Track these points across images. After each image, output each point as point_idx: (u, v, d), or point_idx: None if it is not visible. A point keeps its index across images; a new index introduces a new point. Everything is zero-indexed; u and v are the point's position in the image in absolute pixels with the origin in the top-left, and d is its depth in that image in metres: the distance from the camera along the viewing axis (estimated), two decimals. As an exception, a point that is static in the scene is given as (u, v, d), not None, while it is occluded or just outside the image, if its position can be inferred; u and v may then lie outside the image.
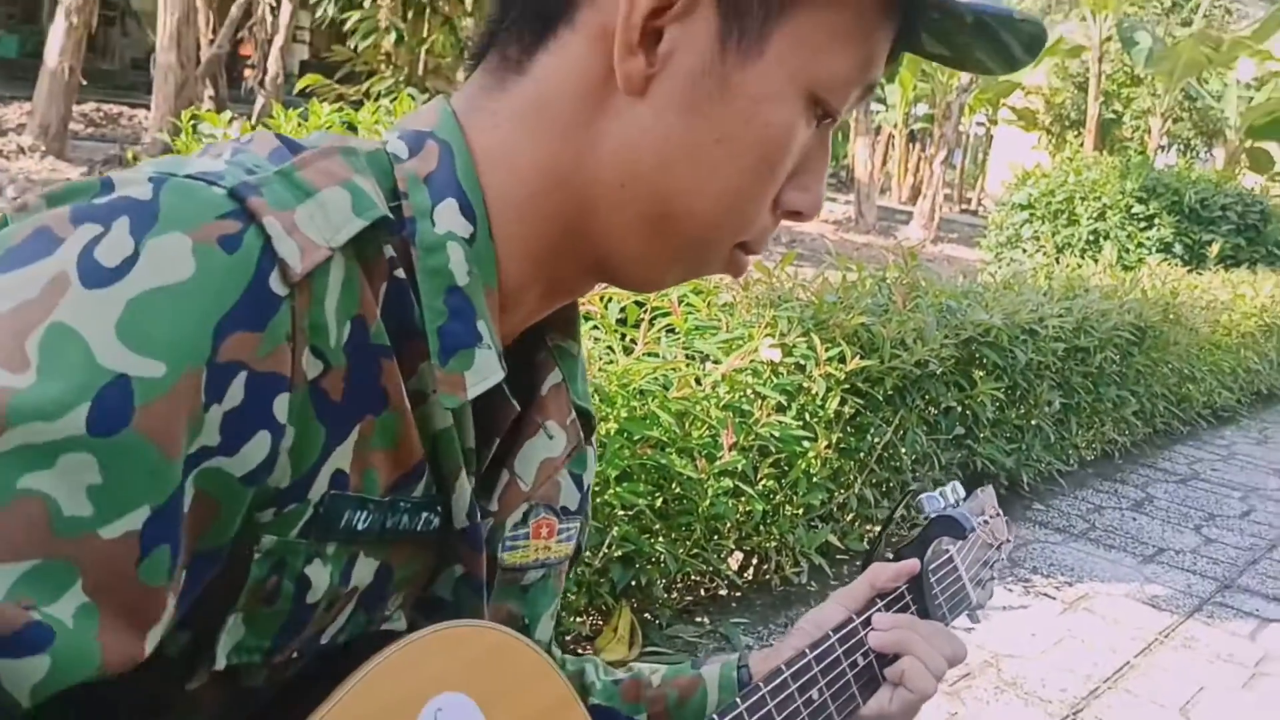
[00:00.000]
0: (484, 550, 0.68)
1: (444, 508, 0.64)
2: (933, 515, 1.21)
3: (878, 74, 0.64)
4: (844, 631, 0.96)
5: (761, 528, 3.27)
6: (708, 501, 3.02)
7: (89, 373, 0.46)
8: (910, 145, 24.36)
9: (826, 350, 3.33)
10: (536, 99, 0.62)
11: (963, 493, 1.24)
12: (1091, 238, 9.18)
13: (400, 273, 0.59)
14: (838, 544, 3.58)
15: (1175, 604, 3.74)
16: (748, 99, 0.61)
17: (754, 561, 3.43)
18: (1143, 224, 9.11)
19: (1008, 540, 1.34)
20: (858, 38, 0.62)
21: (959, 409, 4.01)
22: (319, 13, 7.96)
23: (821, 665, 0.92)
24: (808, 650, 0.90)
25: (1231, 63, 19.44)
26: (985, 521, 1.28)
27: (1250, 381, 6.73)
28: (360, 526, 0.59)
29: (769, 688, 0.86)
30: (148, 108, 11.09)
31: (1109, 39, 20.08)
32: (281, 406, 0.52)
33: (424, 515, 0.63)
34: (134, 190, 0.51)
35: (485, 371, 0.61)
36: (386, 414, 0.58)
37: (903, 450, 3.74)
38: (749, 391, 3.17)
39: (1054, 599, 3.64)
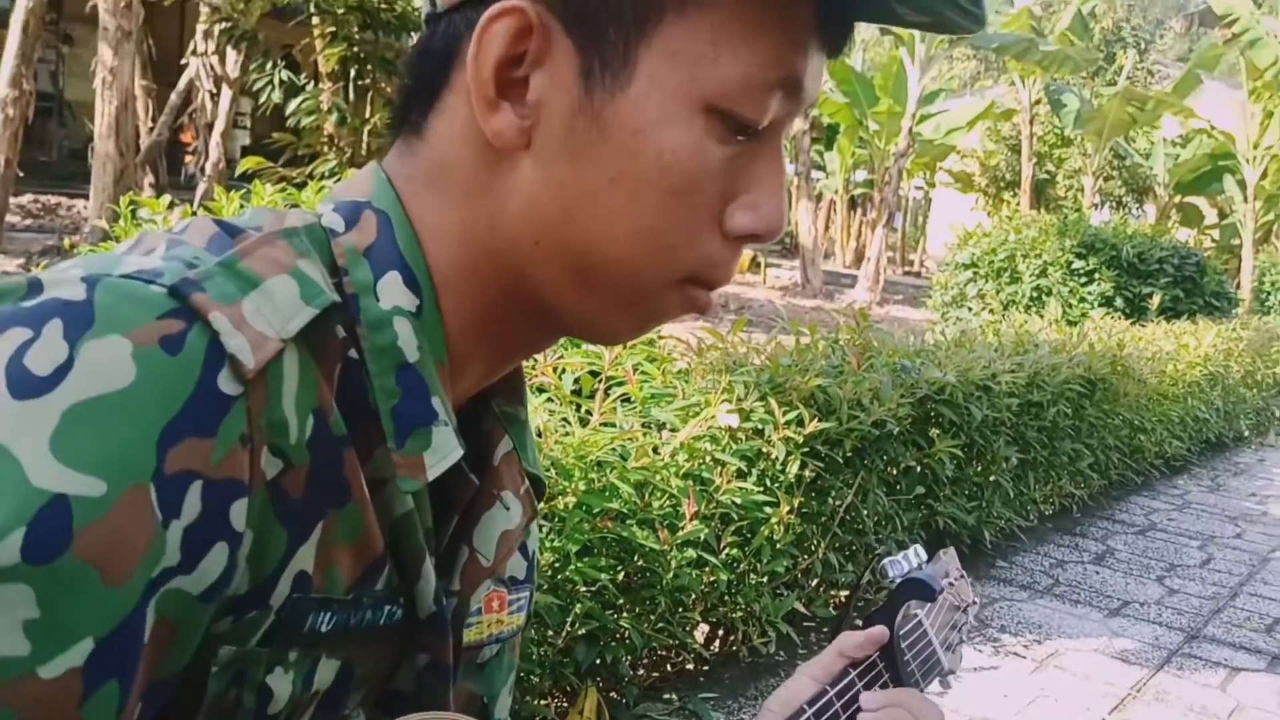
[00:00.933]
0: (450, 635, 0.64)
1: (407, 597, 0.60)
2: (898, 579, 1.18)
3: (796, 70, 0.57)
4: (818, 705, 0.91)
5: (727, 598, 3.20)
6: (671, 573, 2.96)
7: (22, 494, 0.42)
8: (852, 210, 24.77)
9: (784, 413, 3.30)
10: (438, 164, 0.60)
11: (925, 555, 1.21)
12: (1035, 294, 9.32)
13: (353, 353, 0.55)
14: (804, 611, 3.51)
15: (1144, 657, 3.71)
16: (628, 131, 0.56)
17: (720, 633, 3.36)
18: (1083, 279, 9.27)
19: (973, 602, 1.32)
20: (746, 35, 0.55)
21: (918, 468, 3.99)
22: (261, 99, 7.94)
23: None
24: None
25: (1156, 121, 20.08)
26: (950, 584, 1.25)
27: (1199, 430, 6.80)
28: (324, 629, 0.55)
29: None
30: (86, 197, 10.97)
31: (1038, 102, 20.69)
32: (239, 513, 0.49)
33: (387, 608, 0.59)
34: (65, 291, 0.47)
35: (444, 449, 0.58)
36: (349, 507, 0.55)
37: (864, 512, 3.70)
38: (708, 459, 3.12)
39: (1024, 658, 3.59)
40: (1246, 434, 7.86)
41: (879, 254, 16.49)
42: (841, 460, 3.54)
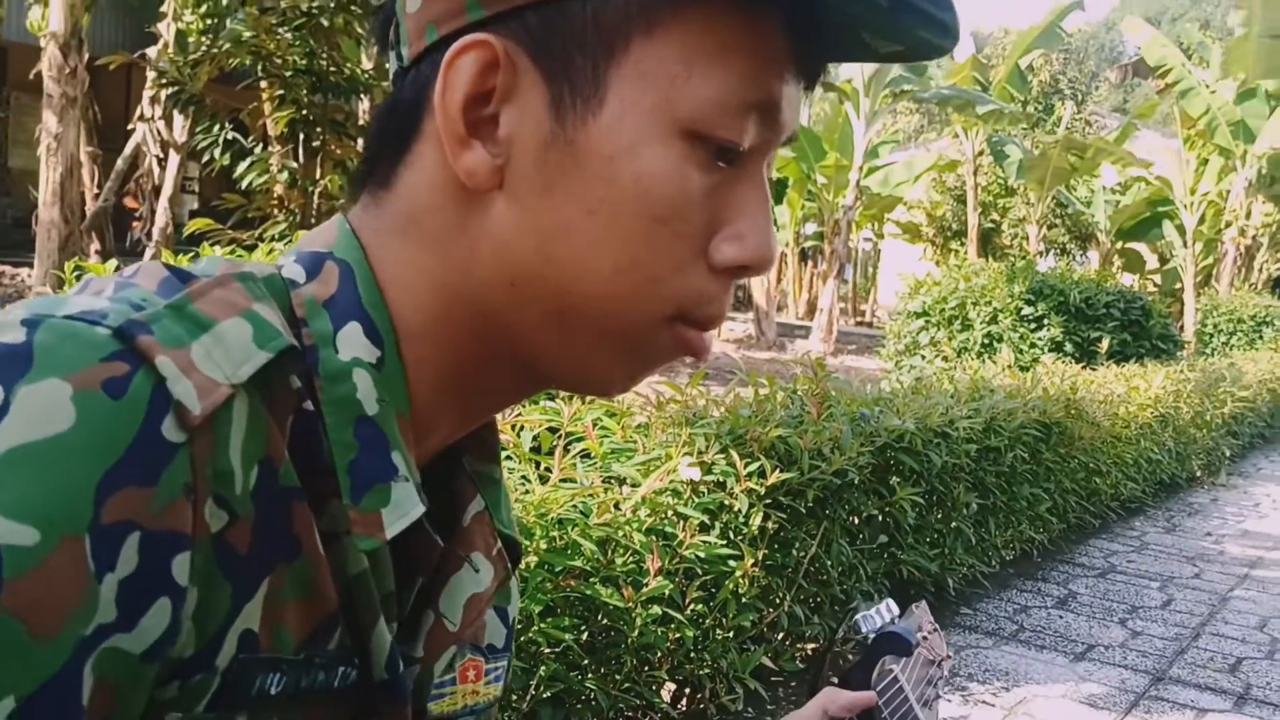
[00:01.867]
0: (409, 703, 0.60)
1: (362, 659, 0.56)
2: (873, 634, 1.16)
3: (772, 92, 0.56)
4: None
5: (693, 654, 3.15)
6: (636, 631, 2.91)
7: None
8: (803, 263, 25.03)
9: (746, 465, 3.27)
10: (407, 214, 0.58)
11: (897, 609, 1.20)
12: (986, 341, 9.42)
13: (309, 404, 0.53)
14: (772, 666, 3.47)
15: (1112, 701, 3.69)
16: (602, 158, 0.54)
17: (687, 691, 3.30)
18: (1033, 325, 9.39)
19: (947, 656, 1.30)
20: (718, 55, 0.54)
21: (880, 517, 3.98)
22: (206, 159, 7.89)
23: None
24: None
25: (1095, 170, 20.55)
26: (924, 638, 1.23)
27: (1153, 471, 6.87)
28: (274, 690, 0.52)
29: None
30: (31, 265, 10.80)
31: (981, 153, 21.12)
32: (181, 567, 0.46)
33: (340, 670, 0.55)
34: (4, 335, 0.45)
35: (404, 507, 0.55)
36: (298, 562, 0.52)
37: (829, 563, 3.67)
38: (670, 513, 3.09)
39: (993, 705, 3.56)
40: (1198, 474, 7.95)
41: (831, 305, 16.63)
42: (804, 511, 3.51)
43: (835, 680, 1.13)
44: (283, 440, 0.51)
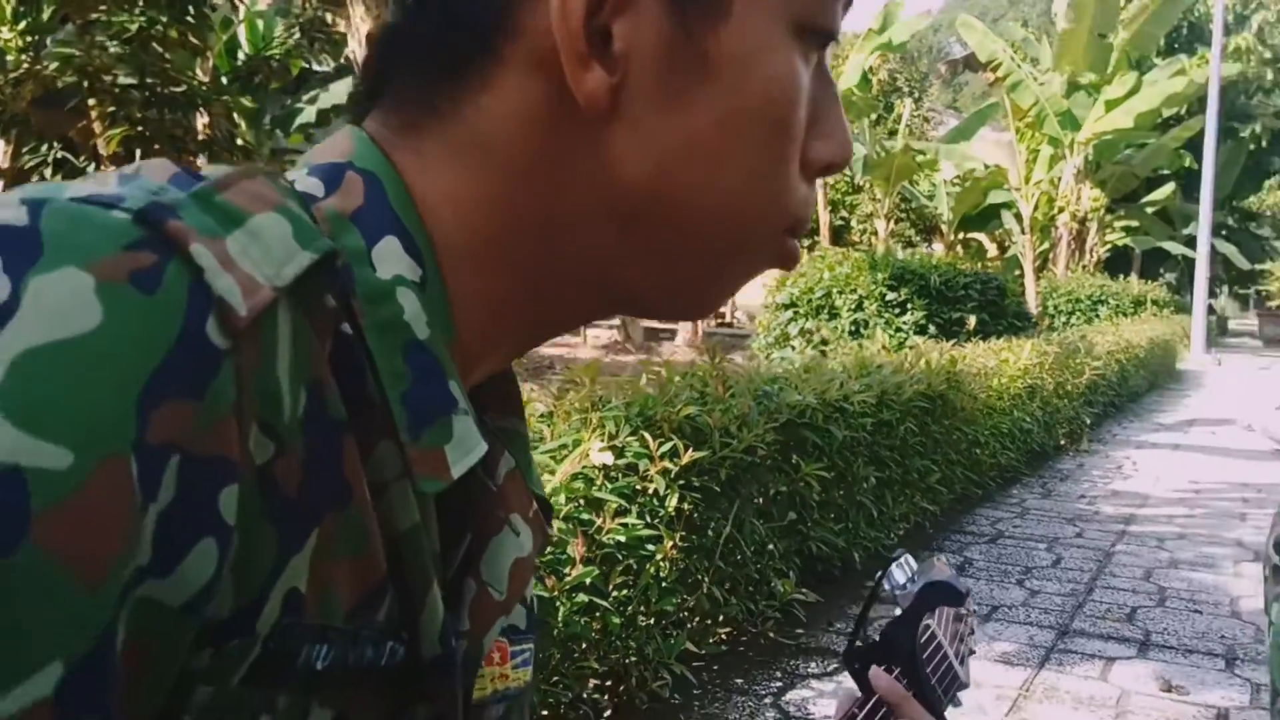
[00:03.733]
0: (460, 683, 0.52)
1: (410, 633, 0.48)
2: (919, 586, 1.10)
3: None
4: None
5: (618, 643, 3.05)
6: (562, 622, 2.80)
7: None
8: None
9: (659, 445, 3.20)
10: (474, 141, 0.52)
11: (915, 564, 1.14)
12: (853, 327, 9.60)
13: (347, 327, 0.45)
14: (695, 650, 3.39)
15: (1025, 658, 3.75)
16: (734, 63, 0.50)
17: (610, 683, 3.19)
18: (897, 310, 9.62)
19: (972, 610, 1.24)
20: None
21: (788, 493, 3.96)
22: (35, 181, 7.48)
23: None
24: None
25: (936, 165, 21.34)
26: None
27: (1025, 441, 7.09)
28: (320, 666, 0.43)
29: None
30: None
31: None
32: (229, 502, 0.38)
33: (389, 645, 0.47)
34: (2, 213, 0.37)
35: (468, 443, 0.48)
36: (350, 511, 0.44)
37: (743, 543, 3.63)
38: (582, 500, 2.99)
39: (913, 671, 3.57)
40: (1063, 442, 8.25)
41: (694, 306, 16.76)
42: (718, 490, 3.46)
43: (874, 639, 1.07)
44: (327, 364, 0.43)
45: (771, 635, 3.76)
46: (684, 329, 16.81)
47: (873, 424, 4.54)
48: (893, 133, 22.17)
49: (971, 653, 1.19)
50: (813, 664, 3.59)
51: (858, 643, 1.05)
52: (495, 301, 0.53)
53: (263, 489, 0.40)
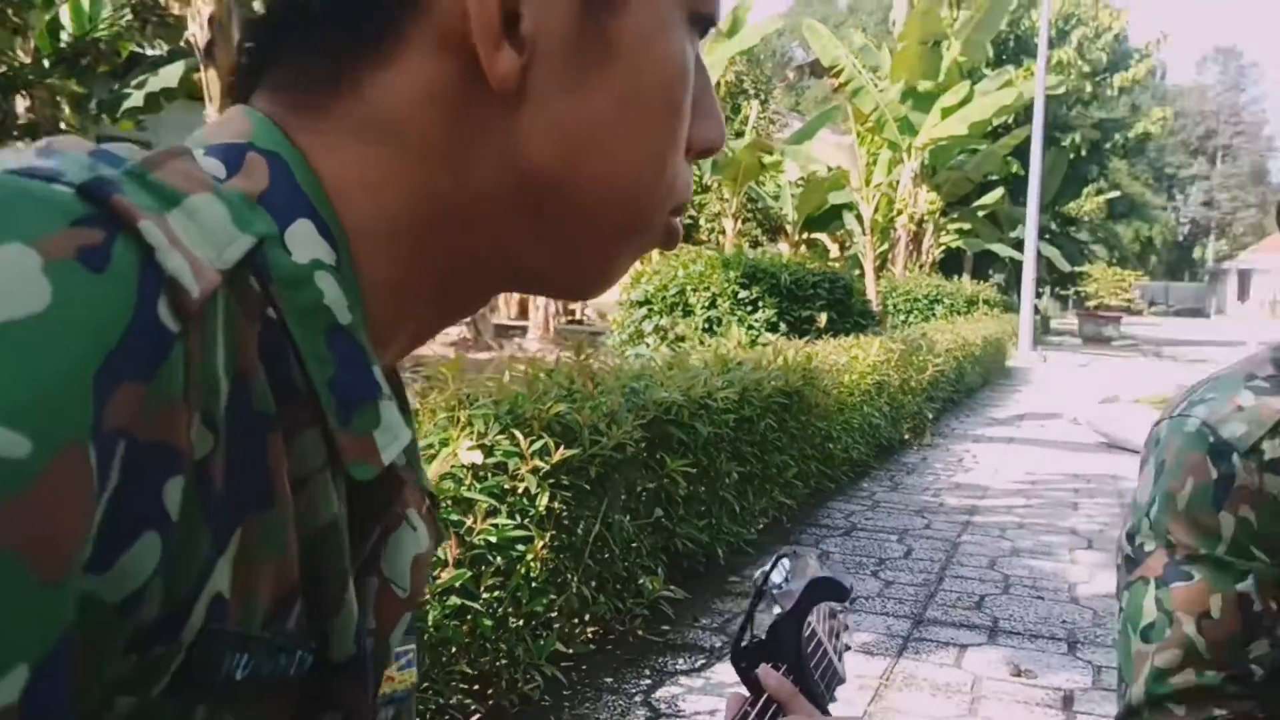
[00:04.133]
0: (372, 685, 0.51)
1: (319, 637, 0.46)
2: (793, 584, 1.11)
3: None
4: None
5: (488, 645, 2.99)
6: (433, 626, 2.72)
7: None
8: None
9: (530, 444, 3.15)
10: (378, 122, 0.50)
11: (788, 565, 1.15)
12: (707, 325, 9.71)
13: (272, 312, 0.44)
14: (564, 650, 3.36)
15: (883, 647, 3.85)
16: (635, 45, 0.51)
17: (477, 687, 3.13)
18: (749, 308, 9.77)
19: (846, 605, 1.26)
20: None
21: (654, 490, 3.96)
22: None
23: None
24: None
25: (781, 166, 21.80)
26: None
27: (874, 436, 7.30)
28: (240, 676, 0.42)
29: None
30: None
31: (678, 151, 21.88)
32: (174, 496, 0.36)
33: (299, 654, 0.45)
34: None
35: (395, 429, 0.47)
36: (273, 512, 0.42)
37: (611, 541, 3.61)
38: (451, 500, 2.92)
39: (779, 664, 3.62)
40: (907, 437, 8.53)
41: (547, 302, 16.69)
42: (587, 487, 3.44)
43: (760, 637, 1.07)
44: (254, 352, 0.42)
45: (640, 633, 3.75)
46: (535, 325, 16.73)
47: (735, 420, 4.59)
48: (739, 134, 22.53)
49: (847, 648, 1.20)
50: (680, 660, 3.60)
51: (744, 643, 1.06)
52: (404, 286, 0.51)
53: (200, 484, 0.38)
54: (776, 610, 1.13)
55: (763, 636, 1.10)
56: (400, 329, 0.53)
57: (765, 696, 1.02)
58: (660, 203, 0.54)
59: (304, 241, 0.46)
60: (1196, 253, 71.63)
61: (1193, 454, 1.46)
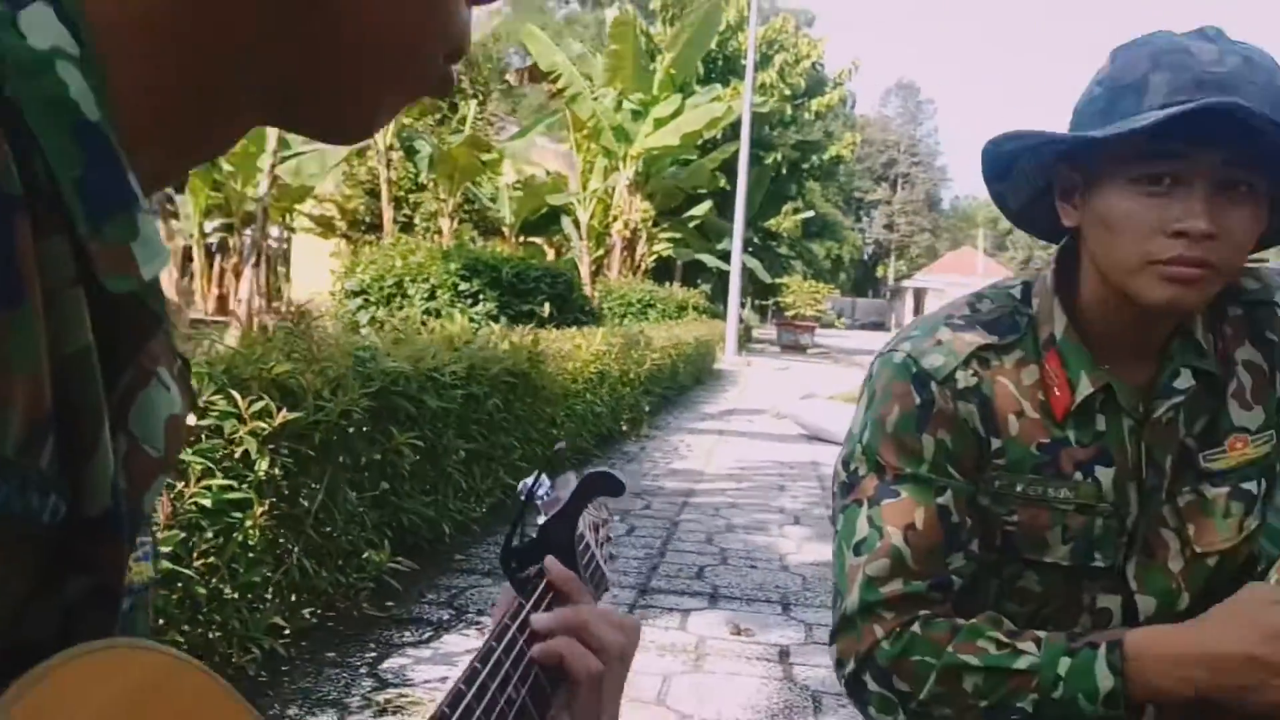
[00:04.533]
0: (128, 541, 0.45)
1: (74, 485, 0.40)
2: (560, 492, 1.12)
3: None
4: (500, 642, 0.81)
5: (202, 616, 2.78)
6: (140, 595, 2.49)
7: None
8: (211, 257, 23.64)
9: (249, 404, 2.96)
10: None
11: (546, 477, 1.15)
12: (425, 317, 9.53)
13: (10, 95, 0.38)
14: (283, 624, 3.17)
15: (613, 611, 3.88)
16: None
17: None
18: (470, 300, 9.68)
19: (609, 518, 1.28)
20: None
21: (380, 462, 3.82)
22: None
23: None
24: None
25: (499, 167, 21.79)
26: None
27: (596, 425, 7.39)
28: None
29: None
30: None
31: (392, 147, 21.38)
32: None
33: (52, 497, 0.39)
34: None
35: (154, 246, 0.42)
36: (24, 312, 0.36)
37: (335, 513, 3.45)
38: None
39: (509, 634, 3.58)
40: (625, 428, 8.71)
41: (249, 297, 15.85)
42: (311, 454, 3.26)
43: (529, 537, 1.06)
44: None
45: (365, 607, 3.60)
46: (237, 320, 15.84)
47: (463, 396, 4.52)
48: (457, 133, 22.35)
49: (612, 556, 1.21)
50: (407, 633, 3.49)
51: (514, 543, 1.05)
52: (153, 89, 0.46)
53: None
54: (542, 519, 1.12)
55: (534, 535, 1.08)
56: (148, 148, 0.46)
57: (544, 585, 1.00)
58: (433, 43, 0.51)
59: (42, 26, 0.40)
60: (879, 271, 77.70)
61: (898, 382, 1.57)
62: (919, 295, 60.73)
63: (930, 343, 1.57)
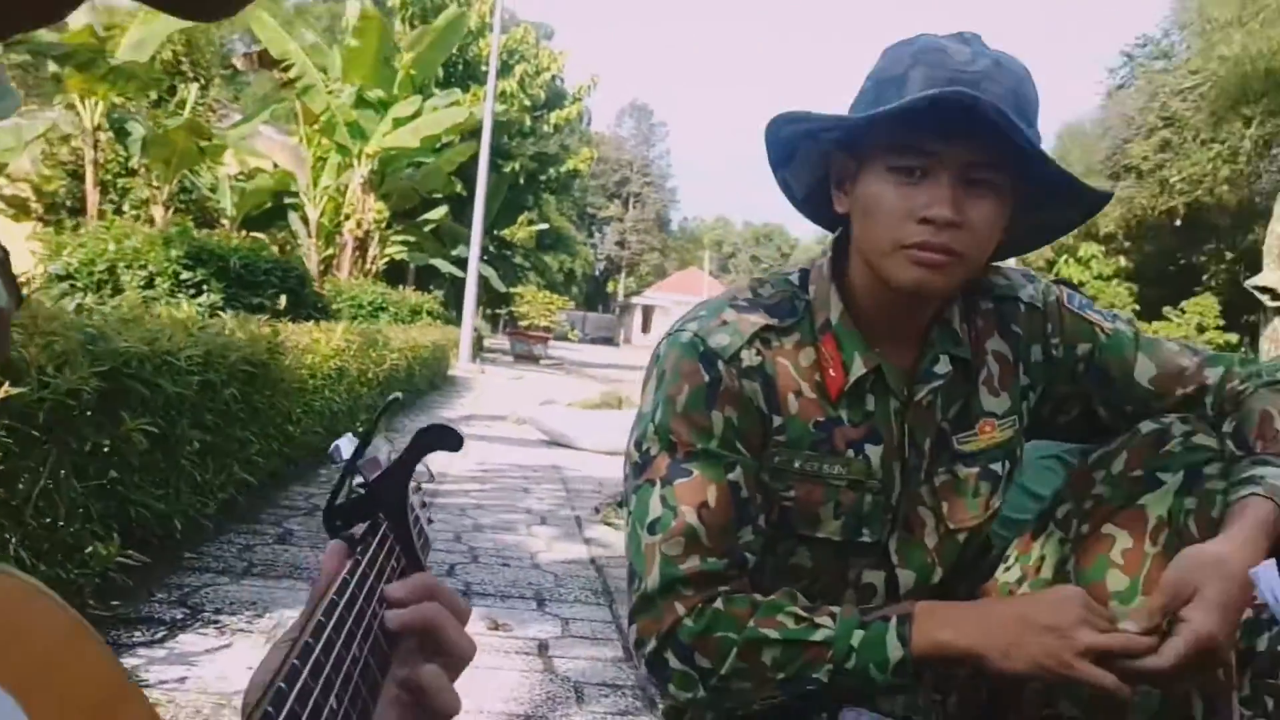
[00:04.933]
0: None
1: None
2: (377, 456, 1.09)
3: None
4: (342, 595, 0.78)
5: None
6: None
7: None
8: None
9: (-36, 377, 2.63)
10: None
11: (347, 442, 1.15)
12: (142, 306, 8.86)
13: None
14: None
15: (361, 613, 3.72)
16: None
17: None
18: (193, 291, 9.09)
19: (425, 480, 1.28)
20: None
21: (109, 450, 3.49)
22: None
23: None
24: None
25: (220, 157, 20.61)
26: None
27: (334, 423, 7.09)
28: None
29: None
30: None
31: (100, 127, 19.77)
32: None
33: None
34: None
35: None
36: None
37: (58, 500, 3.11)
38: None
39: (251, 632, 3.36)
40: (363, 430, 8.41)
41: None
42: (36, 434, 2.93)
43: (359, 494, 1.03)
44: None
45: (91, 605, 3.27)
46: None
47: (200, 383, 4.21)
48: (175, 116, 20.98)
49: (430, 521, 1.21)
50: (138, 633, 3.20)
51: (339, 501, 1.03)
52: None
53: None
54: (359, 481, 1.10)
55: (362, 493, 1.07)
56: None
57: (378, 540, 0.97)
58: None
59: None
60: (610, 287, 79.29)
61: (686, 361, 1.60)
62: (647, 312, 62.43)
63: (716, 323, 1.60)
